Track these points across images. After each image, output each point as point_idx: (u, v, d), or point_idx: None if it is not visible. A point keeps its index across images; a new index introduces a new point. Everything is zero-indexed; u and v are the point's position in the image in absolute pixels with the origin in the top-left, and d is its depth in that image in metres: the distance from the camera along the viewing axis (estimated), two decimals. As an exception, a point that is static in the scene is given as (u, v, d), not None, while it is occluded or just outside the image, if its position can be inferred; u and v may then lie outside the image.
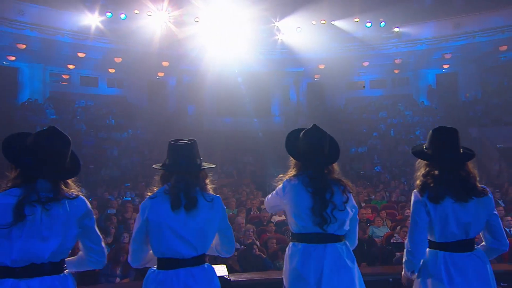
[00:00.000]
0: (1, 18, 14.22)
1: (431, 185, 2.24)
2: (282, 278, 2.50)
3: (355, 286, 2.25)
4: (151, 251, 2.20)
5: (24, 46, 15.43)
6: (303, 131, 2.43)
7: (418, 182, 2.32)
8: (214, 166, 2.33)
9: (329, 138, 2.44)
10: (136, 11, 15.68)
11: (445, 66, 18.52)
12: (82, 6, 15.14)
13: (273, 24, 17.32)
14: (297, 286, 2.27)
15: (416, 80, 19.54)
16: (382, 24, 16.62)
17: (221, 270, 3.53)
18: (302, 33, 17.05)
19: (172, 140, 2.30)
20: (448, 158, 2.24)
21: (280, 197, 2.42)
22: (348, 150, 17.12)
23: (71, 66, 17.77)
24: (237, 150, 16.04)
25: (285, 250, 2.67)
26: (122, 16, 15.58)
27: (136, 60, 16.96)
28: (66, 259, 2.06)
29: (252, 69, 17.77)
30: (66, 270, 2.00)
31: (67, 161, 2.01)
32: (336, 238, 2.31)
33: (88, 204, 2.04)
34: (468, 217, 2.19)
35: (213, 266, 3.53)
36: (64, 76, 18.96)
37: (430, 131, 2.35)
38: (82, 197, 2.03)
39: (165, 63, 17.65)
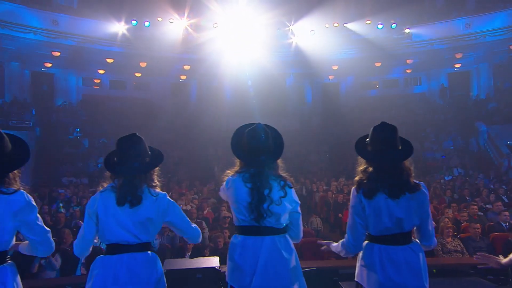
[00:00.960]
0: (38, 28, 14.74)
1: (365, 181, 2.24)
2: None
3: (290, 277, 2.25)
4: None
5: (58, 54, 15.95)
6: (247, 130, 2.38)
7: (356, 178, 2.32)
8: (162, 157, 2.38)
9: (274, 135, 2.40)
10: (159, 19, 15.96)
11: (457, 65, 18.01)
12: (110, 15, 15.51)
13: (288, 28, 17.27)
14: (234, 276, 2.28)
15: (428, 80, 19.10)
16: (393, 25, 16.32)
17: (214, 261, 3.59)
18: (316, 36, 16.93)
19: (121, 138, 2.27)
20: (385, 157, 2.23)
21: (224, 192, 2.44)
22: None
23: (101, 71, 18.22)
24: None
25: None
26: (146, 23, 15.89)
27: (160, 64, 17.25)
28: (16, 243, 2.14)
29: (268, 71, 17.75)
30: (8, 262, 2.02)
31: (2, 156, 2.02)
32: (275, 231, 2.30)
33: (28, 198, 2.05)
34: (401, 212, 2.19)
35: (208, 257, 3.59)
36: (95, 81, 19.44)
37: (372, 128, 2.31)
38: (22, 191, 2.04)
39: (186, 67, 17.88)
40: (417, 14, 16.97)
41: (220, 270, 3.42)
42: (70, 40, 15.27)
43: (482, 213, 6.38)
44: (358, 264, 2.32)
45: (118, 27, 15.66)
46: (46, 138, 15.08)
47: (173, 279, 3.35)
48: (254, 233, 2.29)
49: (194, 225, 2.46)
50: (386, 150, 2.23)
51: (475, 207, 6.10)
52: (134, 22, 15.70)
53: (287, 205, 2.33)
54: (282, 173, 2.40)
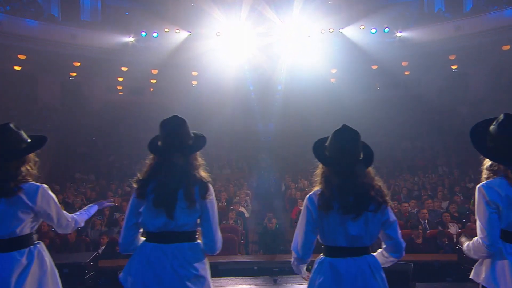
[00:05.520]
0: (59, 42, 15.27)
1: None
2: None
3: None
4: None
5: (79, 64, 16.48)
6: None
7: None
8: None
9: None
10: (166, 30, 16.11)
11: (454, 67, 17.04)
12: (121, 27, 15.86)
13: (288, 35, 16.94)
14: None
15: (426, 81, 18.20)
16: (386, 30, 15.64)
17: (85, 256, 3.52)
18: (312, 41, 16.52)
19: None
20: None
21: None
22: (355, 147, 16.40)
23: (120, 79, 18.67)
24: (251, 148, 15.99)
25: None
26: (155, 34, 16.07)
27: (170, 71, 17.45)
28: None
29: (268, 76, 17.53)
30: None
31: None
32: None
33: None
34: None
35: (85, 253, 3.51)
36: (118, 87, 19.97)
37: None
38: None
39: (194, 73, 17.96)
40: (410, 18, 16.22)
41: (87, 265, 3.34)
42: (88, 52, 15.69)
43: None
44: None
45: (128, 38, 15.96)
46: (67, 139, 15.64)
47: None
48: None
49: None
50: None
51: (407, 204, 5.71)
52: (143, 33, 15.95)
53: None
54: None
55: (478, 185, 2.05)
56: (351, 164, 1.97)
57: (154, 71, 17.48)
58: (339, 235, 1.91)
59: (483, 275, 2.02)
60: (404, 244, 2.09)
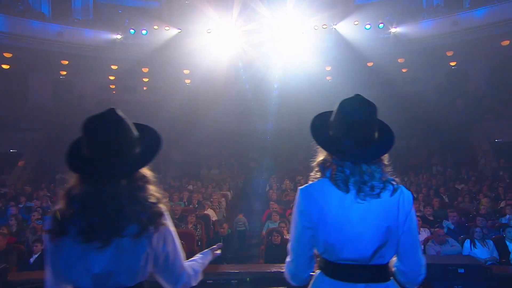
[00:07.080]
0: (44, 40, 15.03)
1: None
2: None
3: None
4: None
5: (67, 62, 16.26)
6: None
7: None
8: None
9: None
10: (155, 27, 15.83)
11: (453, 63, 16.55)
12: (109, 24, 15.59)
13: (281, 32, 16.58)
14: None
15: (425, 78, 17.71)
16: (381, 25, 15.21)
17: None
18: (306, 38, 16.13)
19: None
20: None
21: None
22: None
23: (111, 77, 18.42)
24: (245, 147, 15.63)
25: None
26: (144, 31, 15.80)
27: (162, 69, 17.17)
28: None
29: (263, 74, 17.17)
30: None
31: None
32: None
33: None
34: None
35: None
36: (111, 86, 19.76)
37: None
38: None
39: (186, 71, 17.66)
40: (407, 13, 15.76)
41: None
42: (75, 49, 15.47)
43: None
44: None
45: (116, 36, 15.70)
46: (55, 139, 15.42)
47: None
48: None
49: None
50: None
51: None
52: (132, 30, 15.69)
53: None
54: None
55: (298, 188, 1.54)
56: (108, 164, 1.32)
57: (145, 69, 17.21)
58: (79, 273, 1.29)
59: None
60: (186, 280, 1.47)
